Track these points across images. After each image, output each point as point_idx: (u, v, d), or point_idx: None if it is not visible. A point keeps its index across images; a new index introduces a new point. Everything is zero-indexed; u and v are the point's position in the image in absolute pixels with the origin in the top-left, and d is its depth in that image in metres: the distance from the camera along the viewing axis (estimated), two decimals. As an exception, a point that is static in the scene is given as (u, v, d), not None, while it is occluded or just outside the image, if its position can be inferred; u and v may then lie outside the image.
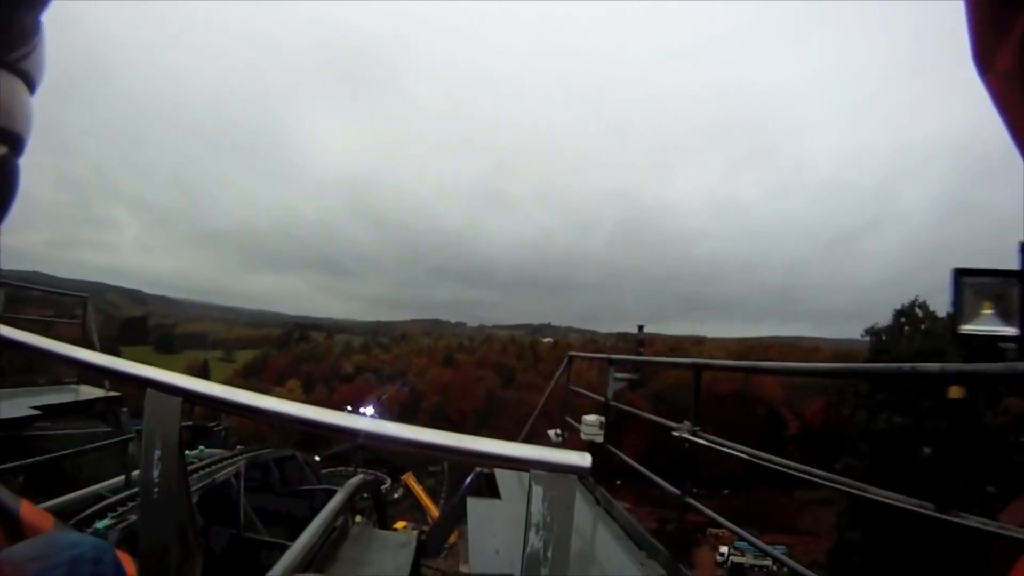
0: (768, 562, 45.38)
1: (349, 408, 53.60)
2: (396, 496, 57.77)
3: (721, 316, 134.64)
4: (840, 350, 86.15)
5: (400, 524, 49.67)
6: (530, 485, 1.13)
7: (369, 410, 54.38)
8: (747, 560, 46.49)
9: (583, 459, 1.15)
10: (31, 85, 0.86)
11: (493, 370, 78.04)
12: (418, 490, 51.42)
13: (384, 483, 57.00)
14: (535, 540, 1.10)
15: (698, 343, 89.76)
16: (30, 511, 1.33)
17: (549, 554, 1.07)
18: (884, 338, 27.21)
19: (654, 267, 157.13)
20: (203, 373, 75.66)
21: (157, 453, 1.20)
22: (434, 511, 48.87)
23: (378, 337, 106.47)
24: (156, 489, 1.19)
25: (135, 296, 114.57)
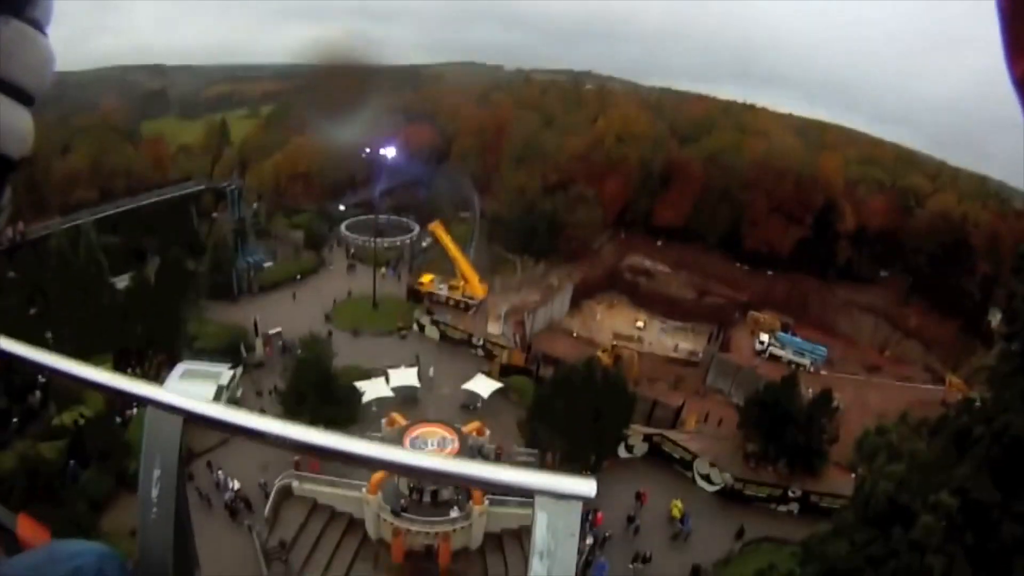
0: (807, 362, 48.13)
1: (368, 150, 51.60)
2: (424, 246, 58.03)
3: (773, 89, 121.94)
4: (901, 154, 78.80)
5: (427, 277, 49.80)
6: (534, 511, 1.15)
7: (391, 151, 50.83)
8: (786, 355, 48.92)
9: (589, 486, 1.15)
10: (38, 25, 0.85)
11: (533, 111, 74.33)
12: (446, 240, 49.68)
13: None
14: (539, 567, 1.16)
15: (750, 109, 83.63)
16: (27, 526, 1.40)
17: None
18: None
19: (706, 16, 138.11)
20: (221, 131, 76.56)
21: (157, 473, 1.25)
22: (463, 263, 48.79)
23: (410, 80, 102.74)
24: (155, 509, 1.26)
25: (157, 70, 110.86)
